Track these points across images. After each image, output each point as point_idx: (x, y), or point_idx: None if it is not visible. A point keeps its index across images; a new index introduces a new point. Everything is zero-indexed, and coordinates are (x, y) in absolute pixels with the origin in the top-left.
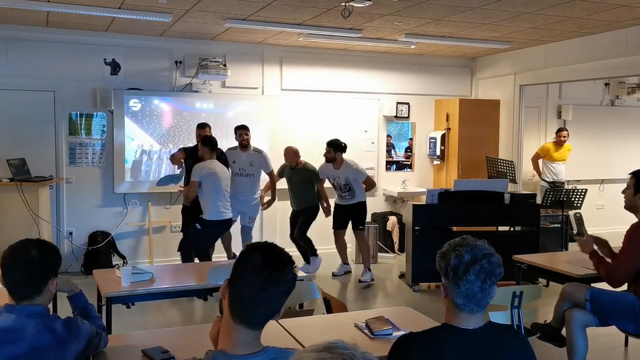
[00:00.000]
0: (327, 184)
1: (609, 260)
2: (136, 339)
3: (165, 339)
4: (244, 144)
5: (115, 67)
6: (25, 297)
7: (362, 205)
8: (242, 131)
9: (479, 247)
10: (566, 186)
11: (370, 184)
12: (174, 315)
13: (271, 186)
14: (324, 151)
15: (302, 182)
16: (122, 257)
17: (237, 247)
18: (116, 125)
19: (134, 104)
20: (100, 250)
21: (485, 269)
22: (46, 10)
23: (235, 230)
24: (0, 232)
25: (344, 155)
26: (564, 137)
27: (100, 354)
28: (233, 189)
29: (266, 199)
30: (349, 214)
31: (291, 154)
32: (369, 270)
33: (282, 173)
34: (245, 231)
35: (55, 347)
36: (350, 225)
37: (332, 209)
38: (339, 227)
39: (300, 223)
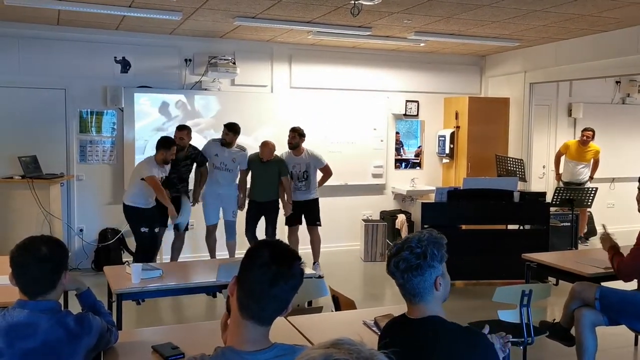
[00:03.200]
0: None
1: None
2: (146, 335)
3: (174, 335)
4: (222, 143)
5: (125, 65)
6: (40, 293)
7: (317, 202)
8: (224, 130)
9: (409, 239)
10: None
11: (328, 172)
12: (183, 311)
13: (243, 184)
14: (289, 137)
15: (273, 174)
16: (132, 254)
17: (221, 243)
18: (126, 122)
19: (144, 101)
20: (111, 247)
21: (404, 261)
22: (57, 9)
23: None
24: (11, 228)
25: (304, 145)
26: (587, 136)
27: (111, 349)
28: (213, 183)
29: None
30: (304, 210)
31: (272, 150)
32: (319, 263)
33: (249, 167)
34: (230, 225)
35: (67, 342)
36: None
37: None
38: (293, 223)
39: (270, 221)
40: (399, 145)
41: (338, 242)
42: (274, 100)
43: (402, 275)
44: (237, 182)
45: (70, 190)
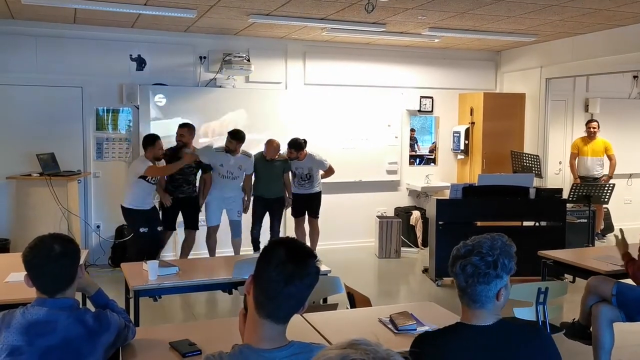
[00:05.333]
0: None
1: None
2: (163, 332)
3: (191, 332)
4: (227, 150)
5: (140, 63)
6: (59, 290)
7: (320, 195)
8: (228, 138)
9: (481, 243)
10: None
11: (331, 171)
12: (199, 308)
13: (248, 188)
14: (287, 151)
15: (278, 172)
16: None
17: (227, 242)
18: (142, 120)
19: (159, 99)
20: (127, 244)
21: (473, 266)
22: (74, 8)
23: (223, 227)
24: (30, 225)
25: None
26: (593, 127)
27: (129, 346)
28: (218, 190)
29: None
30: (308, 203)
31: (277, 148)
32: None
33: (255, 166)
34: (235, 225)
35: (87, 339)
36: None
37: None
38: (299, 215)
39: (275, 217)
40: (413, 142)
41: (352, 239)
42: (288, 97)
43: (467, 279)
44: (240, 188)
45: (87, 187)
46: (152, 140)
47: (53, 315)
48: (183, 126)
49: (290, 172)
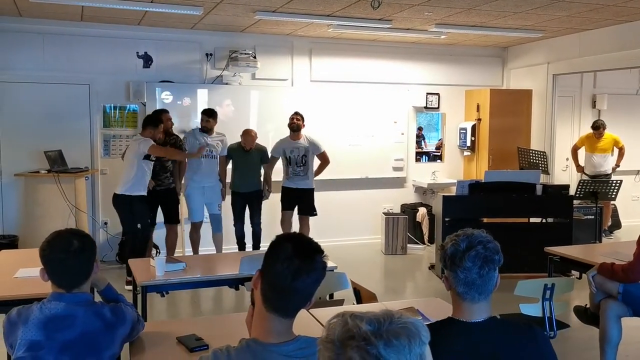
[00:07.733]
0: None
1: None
2: (171, 327)
3: (198, 327)
4: (204, 130)
5: (147, 60)
6: (76, 285)
7: (313, 192)
8: (204, 117)
9: (474, 235)
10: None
11: (326, 159)
12: (206, 304)
13: (223, 173)
14: (292, 120)
15: (255, 163)
16: (155, 247)
17: (207, 239)
18: None
19: (166, 96)
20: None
21: (481, 255)
22: (81, 5)
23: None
24: (38, 221)
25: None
26: (601, 134)
27: (138, 340)
28: (196, 174)
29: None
30: (299, 198)
31: (254, 138)
32: None
33: (230, 156)
34: (216, 218)
35: (105, 332)
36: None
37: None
38: (287, 208)
39: (255, 211)
40: (419, 138)
41: (359, 236)
42: (295, 93)
43: (479, 270)
44: (217, 172)
45: (94, 184)
46: (156, 121)
47: (71, 309)
48: (164, 112)
49: (286, 160)
